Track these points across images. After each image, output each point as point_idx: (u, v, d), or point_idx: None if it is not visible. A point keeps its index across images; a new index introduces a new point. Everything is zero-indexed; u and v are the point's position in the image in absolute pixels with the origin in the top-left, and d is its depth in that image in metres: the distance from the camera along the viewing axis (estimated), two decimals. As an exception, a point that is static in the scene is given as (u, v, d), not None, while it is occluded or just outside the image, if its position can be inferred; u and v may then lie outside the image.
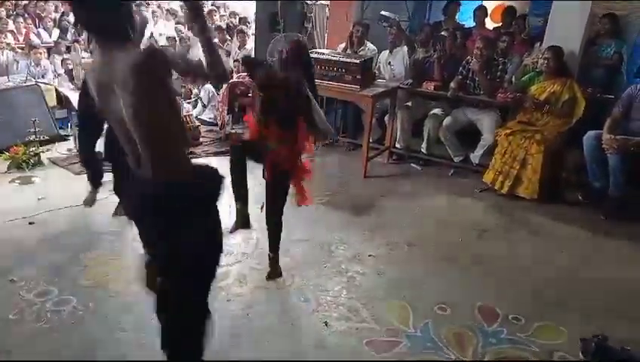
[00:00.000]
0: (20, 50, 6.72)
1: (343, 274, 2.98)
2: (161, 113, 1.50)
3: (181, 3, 8.69)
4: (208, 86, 6.18)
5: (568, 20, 4.30)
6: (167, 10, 8.92)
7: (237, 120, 5.21)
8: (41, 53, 6.26)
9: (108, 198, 3.76)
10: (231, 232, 2.90)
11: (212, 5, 9.75)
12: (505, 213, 3.96)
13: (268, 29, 5.70)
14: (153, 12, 8.68)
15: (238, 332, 2.47)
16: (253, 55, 5.83)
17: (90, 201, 3.41)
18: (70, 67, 6.43)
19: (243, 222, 2.87)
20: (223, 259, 3.01)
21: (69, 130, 5.18)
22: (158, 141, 1.52)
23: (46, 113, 4.95)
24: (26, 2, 8.70)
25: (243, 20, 7.96)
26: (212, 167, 1.72)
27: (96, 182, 3.39)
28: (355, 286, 2.88)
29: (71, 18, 7.81)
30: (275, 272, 2.88)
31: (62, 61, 6.67)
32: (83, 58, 6.55)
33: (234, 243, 3.15)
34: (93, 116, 3.01)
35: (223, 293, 2.71)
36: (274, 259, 2.87)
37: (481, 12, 5.69)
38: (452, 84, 4.55)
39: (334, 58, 4.47)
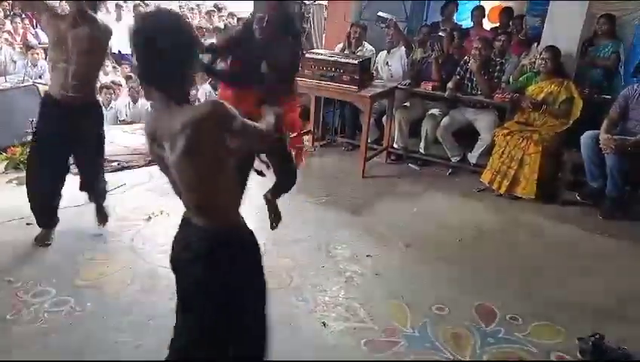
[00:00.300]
0: (18, 50, 6.73)
1: (341, 274, 2.98)
2: (213, 168, 1.47)
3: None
4: (206, 86, 6.18)
5: (566, 21, 4.31)
6: None
7: None
8: (38, 54, 6.25)
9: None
10: None
11: (213, 6, 9.76)
12: (502, 213, 3.97)
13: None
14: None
15: (236, 333, 2.47)
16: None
17: (43, 239, 3.08)
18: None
19: None
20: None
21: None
22: (207, 194, 1.51)
23: (43, 113, 4.94)
24: (24, 3, 8.70)
25: (241, 21, 7.94)
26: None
27: (52, 223, 3.13)
28: (353, 286, 2.88)
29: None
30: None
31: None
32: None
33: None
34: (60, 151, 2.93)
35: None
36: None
37: (478, 12, 5.70)
38: (450, 85, 4.55)
39: (332, 58, 4.47)
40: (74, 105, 2.88)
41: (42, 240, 3.08)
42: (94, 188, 3.27)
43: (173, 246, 1.67)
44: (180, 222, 1.67)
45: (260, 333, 1.74)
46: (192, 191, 1.50)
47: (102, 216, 3.32)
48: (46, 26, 2.96)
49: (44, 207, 3.07)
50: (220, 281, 1.54)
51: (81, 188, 3.25)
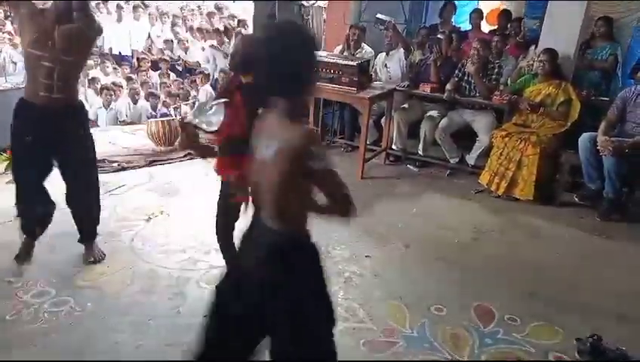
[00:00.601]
0: (19, 51, 6.73)
1: (340, 275, 2.99)
2: (296, 184, 1.49)
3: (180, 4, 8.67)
4: (207, 87, 6.19)
5: (563, 23, 4.33)
6: (162, 12, 8.91)
7: None
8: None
9: (104, 199, 3.78)
10: None
11: (214, 7, 9.77)
12: (500, 214, 3.99)
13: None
14: (150, 14, 8.69)
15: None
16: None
17: (24, 258, 2.85)
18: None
19: None
20: (220, 260, 3.04)
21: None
22: (287, 203, 1.52)
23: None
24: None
25: (242, 23, 7.98)
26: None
27: (37, 230, 2.86)
28: (352, 287, 2.89)
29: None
30: None
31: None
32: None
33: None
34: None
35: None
36: None
37: (476, 15, 5.72)
38: (448, 86, 4.57)
39: (331, 60, 4.48)
40: (56, 108, 2.61)
41: (23, 258, 2.83)
42: (82, 207, 2.90)
43: (242, 244, 1.66)
44: (251, 222, 1.66)
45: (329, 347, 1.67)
46: (273, 198, 1.51)
47: (89, 252, 2.94)
48: (24, 21, 2.59)
49: (30, 218, 2.83)
50: (294, 285, 1.54)
51: (68, 203, 2.89)
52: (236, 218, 2.46)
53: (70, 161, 2.78)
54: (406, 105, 4.94)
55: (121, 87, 6.80)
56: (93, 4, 2.82)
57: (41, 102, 2.60)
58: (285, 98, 1.47)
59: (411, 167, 4.84)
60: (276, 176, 1.45)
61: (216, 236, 2.61)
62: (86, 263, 2.92)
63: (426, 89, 4.70)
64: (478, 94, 4.54)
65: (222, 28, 8.07)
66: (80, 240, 2.98)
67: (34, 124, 2.64)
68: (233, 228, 2.48)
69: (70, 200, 2.87)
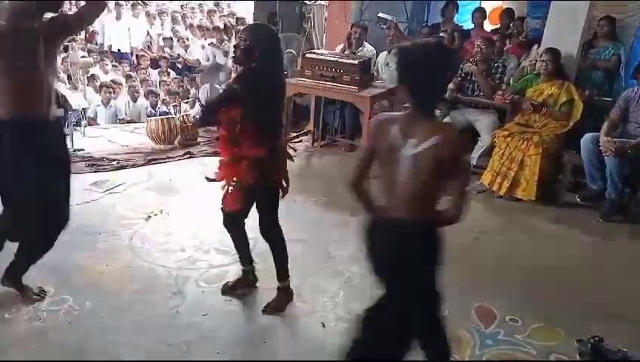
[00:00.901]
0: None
1: (340, 275, 2.98)
2: (441, 173, 1.68)
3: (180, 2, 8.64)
4: (207, 85, 6.18)
5: (566, 23, 4.31)
6: (161, 11, 8.89)
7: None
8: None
9: (103, 197, 3.77)
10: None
11: (213, 5, 9.76)
12: (503, 214, 3.97)
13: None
14: (148, 13, 8.67)
15: (235, 332, 2.47)
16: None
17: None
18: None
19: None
20: (220, 259, 3.02)
21: (66, 128, 5.15)
22: (429, 192, 1.73)
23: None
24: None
25: (240, 21, 7.96)
26: None
27: None
28: (352, 287, 2.87)
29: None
30: (280, 303, 2.61)
31: (62, 60, 6.67)
32: (83, 57, 6.53)
33: (231, 243, 3.13)
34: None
35: (219, 293, 2.71)
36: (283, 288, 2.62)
37: (479, 14, 5.70)
38: (450, 86, 4.55)
39: (333, 59, 4.47)
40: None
41: None
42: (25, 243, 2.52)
43: (384, 250, 1.80)
44: (378, 227, 1.82)
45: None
46: (416, 188, 1.69)
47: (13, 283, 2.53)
48: None
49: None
50: (435, 268, 1.78)
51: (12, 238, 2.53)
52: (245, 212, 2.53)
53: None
54: (408, 105, 4.91)
55: (121, 84, 6.78)
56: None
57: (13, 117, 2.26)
58: (433, 100, 1.80)
59: (412, 167, 4.82)
60: (431, 169, 1.65)
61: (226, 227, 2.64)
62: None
63: (427, 88, 4.67)
64: (480, 93, 4.52)
65: (222, 26, 8.05)
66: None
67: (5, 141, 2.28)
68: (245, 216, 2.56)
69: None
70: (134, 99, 6.53)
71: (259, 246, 2.93)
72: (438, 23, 5.84)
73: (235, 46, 2.43)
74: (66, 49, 7.00)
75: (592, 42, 4.78)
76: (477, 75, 4.46)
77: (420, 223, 1.72)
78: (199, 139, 5.19)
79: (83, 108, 5.76)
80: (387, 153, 1.72)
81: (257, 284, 2.78)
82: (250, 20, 7.44)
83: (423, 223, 1.73)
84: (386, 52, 5.19)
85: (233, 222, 2.60)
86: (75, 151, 4.55)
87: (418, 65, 1.72)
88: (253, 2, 6.26)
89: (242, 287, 2.73)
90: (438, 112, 4.73)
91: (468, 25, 5.97)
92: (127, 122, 6.18)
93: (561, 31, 4.32)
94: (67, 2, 6.95)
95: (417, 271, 1.77)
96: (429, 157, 1.64)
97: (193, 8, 9.77)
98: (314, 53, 4.77)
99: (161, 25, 8.67)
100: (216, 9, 9.42)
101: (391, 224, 1.76)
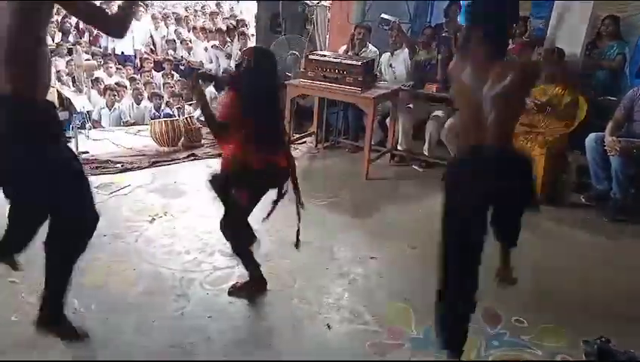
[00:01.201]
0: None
1: (345, 276, 2.97)
2: (517, 110, 2.20)
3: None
4: (210, 88, 6.19)
5: (570, 22, 4.30)
6: (165, 15, 8.92)
7: None
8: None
9: (108, 200, 3.78)
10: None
11: (215, 6, 9.77)
12: (507, 215, 3.95)
13: (269, 30, 5.71)
14: (153, 16, 8.69)
15: (240, 334, 2.47)
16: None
17: None
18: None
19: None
20: (224, 261, 3.03)
21: (70, 131, 5.18)
22: (504, 126, 2.09)
23: (47, 115, 4.93)
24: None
25: (241, 22, 7.97)
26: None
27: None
28: (357, 289, 2.87)
29: (72, 20, 7.84)
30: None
31: (66, 63, 6.72)
32: (87, 60, 6.55)
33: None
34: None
35: (224, 295, 2.71)
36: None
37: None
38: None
39: (336, 60, 4.47)
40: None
41: None
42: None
43: (480, 174, 2.16)
44: (472, 156, 2.19)
45: None
46: (497, 119, 2.02)
47: None
48: None
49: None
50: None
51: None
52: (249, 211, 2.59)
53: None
54: (411, 106, 4.91)
55: (125, 87, 6.80)
56: (97, 4, 2.64)
57: None
58: (499, 48, 2.09)
59: (416, 168, 4.82)
60: (511, 99, 2.02)
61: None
62: None
63: (431, 89, 4.67)
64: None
65: (224, 28, 8.06)
66: None
67: None
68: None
69: None
70: (138, 102, 6.55)
71: (264, 248, 2.94)
72: (441, 23, 5.82)
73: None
74: (70, 52, 7.05)
75: (596, 42, 4.76)
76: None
77: (505, 149, 2.10)
78: (203, 141, 5.20)
79: (87, 111, 5.79)
80: (469, 96, 2.06)
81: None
82: (251, 22, 7.45)
83: (507, 148, 2.11)
84: (389, 53, 5.18)
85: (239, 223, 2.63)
86: (79, 153, 4.57)
87: (493, 12, 2.07)
88: (256, 3, 6.26)
89: (249, 289, 2.73)
90: (441, 113, 4.74)
91: (471, 25, 5.95)
92: (132, 124, 6.20)
93: (565, 30, 4.31)
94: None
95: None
96: (507, 95, 1.98)
97: (196, 11, 9.79)
98: (317, 54, 4.77)
99: (166, 27, 8.69)
100: (218, 11, 9.43)
101: (487, 151, 2.09)
